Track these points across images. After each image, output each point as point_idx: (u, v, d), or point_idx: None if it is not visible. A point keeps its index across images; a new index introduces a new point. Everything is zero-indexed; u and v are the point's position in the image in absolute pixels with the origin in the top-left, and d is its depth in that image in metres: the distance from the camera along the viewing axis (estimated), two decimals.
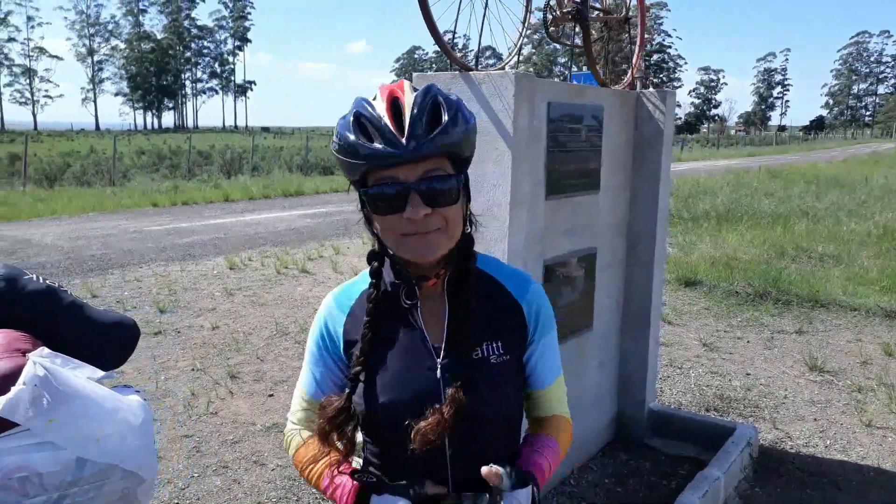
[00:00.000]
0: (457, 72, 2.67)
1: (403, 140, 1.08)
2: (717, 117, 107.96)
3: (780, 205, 14.37)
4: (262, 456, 3.89)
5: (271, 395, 4.78)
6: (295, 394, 1.36)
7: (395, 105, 1.11)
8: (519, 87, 2.55)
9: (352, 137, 1.11)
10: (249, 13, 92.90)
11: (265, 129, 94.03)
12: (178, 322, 6.33)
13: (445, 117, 1.10)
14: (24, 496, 1.20)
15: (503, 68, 2.91)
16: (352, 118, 1.13)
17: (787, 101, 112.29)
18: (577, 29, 3.37)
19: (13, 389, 1.22)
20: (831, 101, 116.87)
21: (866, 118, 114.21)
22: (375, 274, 1.25)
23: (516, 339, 1.29)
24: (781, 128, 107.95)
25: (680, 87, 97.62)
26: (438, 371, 1.22)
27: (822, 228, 11.59)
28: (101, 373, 1.39)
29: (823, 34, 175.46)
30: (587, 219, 3.44)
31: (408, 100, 1.11)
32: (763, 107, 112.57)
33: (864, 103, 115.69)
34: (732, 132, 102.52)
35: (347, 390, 1.23)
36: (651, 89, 3.71)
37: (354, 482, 1.21)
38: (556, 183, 3.07)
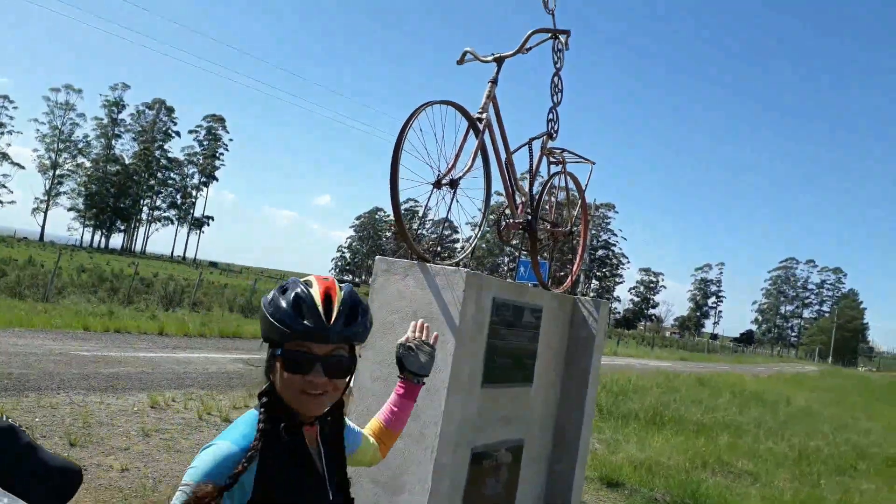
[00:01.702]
0: (415, 261, 2.94)
1: (328, 326, 1.41)
2: (654, 317, 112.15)
3: (705, 414, 14.76)
4: None
5: None
6: None
7: (328, 299, 1.44)
8: (469, 283, 2.82)
9: (288, 310, 1.42)
10: (222, 154, 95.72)
11: (213, 264, 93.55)
12: (86, 459, 6.02)
13: (358, 318, 1.48)
14: None
15: (458, 262, 3.20)
16: (292, 296, 1.44)
17: (720, 311, 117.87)
18: (526, 236, 3.74)
19: None
20: (760, 318, 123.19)
21: (792, 338, 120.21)
22: (270, 406, 1.48)
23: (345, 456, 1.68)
24: (714, 336, 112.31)
25: (621, 283, 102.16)
26: (331, 495, 1.53)
27: (743, 444, 11.90)
28: None
29: (757, 253, 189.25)
30: (519, 410, 3.61)
31: (338, 298, 1.46)
32: (698, 313, 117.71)
33: (790, 324, 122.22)
34: (668, 334, 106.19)
35: (225, 485, 1.35)
36: (587, 297, 4.05)
37: None
38: (493, 372, 3.27)
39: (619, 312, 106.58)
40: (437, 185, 3.03)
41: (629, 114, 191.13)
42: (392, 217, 2.92)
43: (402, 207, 2.94)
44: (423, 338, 2.00)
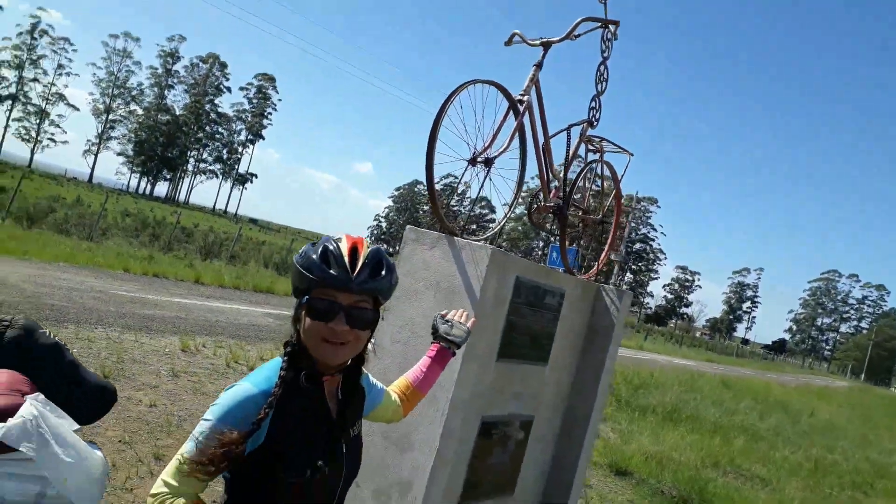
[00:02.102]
0: (444, 234, 3.04)
1: (352, 276, 1.52)
2: (686, 316, 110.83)
3: (724, 416, 14.71)
4: None
5: None
6: (178, 460, 1.48)
7: (354, 252, 1.56)
8: (493, 259, 2.92)
9: (316, 260, 1.54)
10: (270, 113, 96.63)
11: (253, 221, 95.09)
12: (118, 392, 6.32)
13: (383, 273, 1.58)
14: None
15: (486, 239, 3.29)
16: (321, 248, 1.56)
17: (754, 316, 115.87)
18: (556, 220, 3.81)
19: (8, 421, 1.44)
20: (795, 328, 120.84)
21: (825, 351, 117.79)
22: (293, 355, 1.59)
23: (362, 411, 1.83)
24: (745, 341, 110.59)
25: (656, 278, 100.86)
26: (344, 448, 1.64)
27: (759, 449, 11.86)
28: (76, 426, 1.62)
29: (798, 262, 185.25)
30: (532, 388, 3.71)
31: (364, 252, 1.57)
32: (731, 317, 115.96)
33: (825, 337, 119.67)
34: (698, 334, 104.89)
35: (247, 431, 1.46)
36: (611, 286, 4.12)
37: None
38: (509, 348, 3.37)
39: (650, 308, 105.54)
40: (473, 162, 3.11)
41: (684, 108, 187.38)
42: (427, 194, 3.02)
43: (441, 183, 3.05)
44: (463, 321, 2.19)
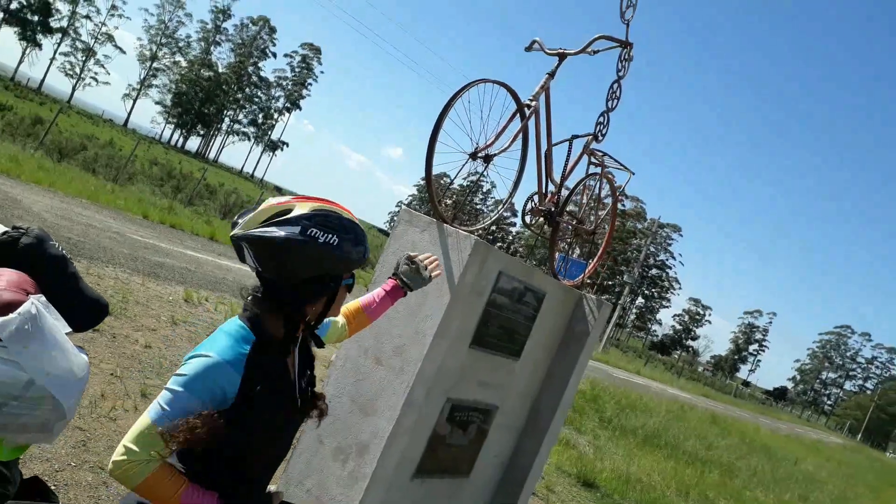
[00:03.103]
0: (435, 220, 3.24)
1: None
2: (690, 349, 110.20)
3: (704, 449, 14.80)
4: None
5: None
6: (144, 427, 1.54)
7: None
8: (475, 249, 3.11)
9: (360, 247, 1.72)
10: (310, 84, 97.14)
11: (278, 188, 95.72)
12: (118, 328, 6.59)
13: None
14: None
15: (475, 231, 3.48)
16: (357, 234, 1.71)
17: (759, 360, 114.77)
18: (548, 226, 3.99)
19: (9, 315, 1.66)
20: (798, 377, 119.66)
21: (826, 406, 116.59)
22: (260, 329, 1.70)
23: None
24: (746, 383, 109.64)
25: (668, 307, 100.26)
26: (300, 402, 1.79)
27: (732, 486, 11.97)
28: (68, 329, 1.83)
29: (811, 311, 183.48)
30: (501, 379, 3.90)
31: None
32: (736, 357, 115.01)
33: (828, 391, 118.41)
34: (700, 369, 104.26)
35: (225, 409, 1.58)
36: (592, 296, 4.29)
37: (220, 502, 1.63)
38: (483, 337, 3.56)
39: (657, 336, 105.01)
40: (473, 156, 3.30)
41: (720, 140, 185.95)
42: (425, 179, 3.21)
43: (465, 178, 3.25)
44: (428, 267, 2.36)
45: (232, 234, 1.70)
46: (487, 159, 3.32)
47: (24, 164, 14.59)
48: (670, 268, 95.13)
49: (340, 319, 2.18)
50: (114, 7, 79.64)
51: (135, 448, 1.52)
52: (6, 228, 1.88)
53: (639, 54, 3.94)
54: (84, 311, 1.92)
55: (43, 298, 1.75)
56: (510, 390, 4.02)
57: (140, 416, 1.58)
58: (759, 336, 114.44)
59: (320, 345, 1.83)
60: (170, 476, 1.56)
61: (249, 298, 1.75)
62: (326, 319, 2.03)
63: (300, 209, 1.65)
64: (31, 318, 1.68)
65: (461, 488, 3.96)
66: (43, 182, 13.52)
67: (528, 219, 3.85)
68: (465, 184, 3.31)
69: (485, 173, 3.35)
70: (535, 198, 3.82)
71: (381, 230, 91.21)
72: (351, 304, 2.23)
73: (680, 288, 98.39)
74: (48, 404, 1.70)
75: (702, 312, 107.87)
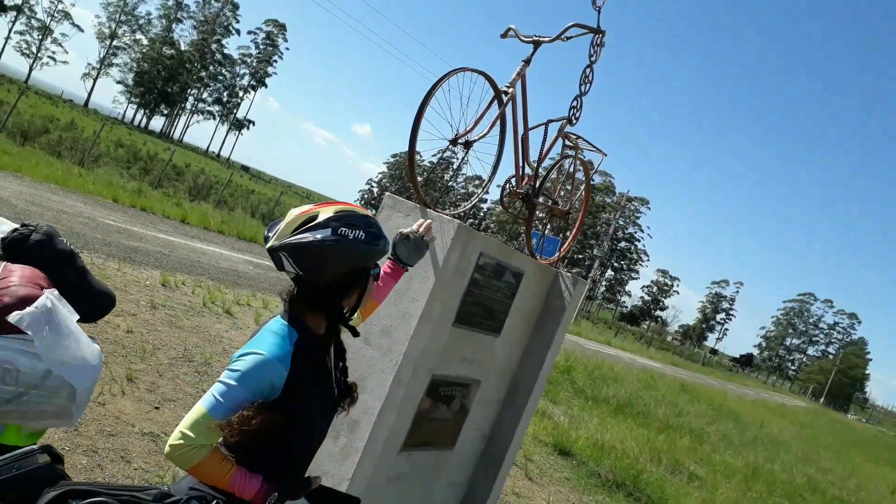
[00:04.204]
0: (418, 205, 3.36)
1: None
2: (659, 319, 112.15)
3: (674, 416, 15.27)
4: (130, 455, 4.22)
5: (157, 408, 5.11)
6: (200, 417, 1.70)
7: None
8: (458, 233, 3.24)
9: (386, 239, 1.90)
10: (276, 61, 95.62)
11: (245, 168, 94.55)
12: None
13: None
14: (1, 382, 1.71)
15: (457, 215, 3.61)
16: (377, 227, 1.88)
17: (726, 328, 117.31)
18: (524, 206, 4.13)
19: (26, 308, 1.75)
20: (764, 344, 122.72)
21: (790, 371, 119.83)
22: (298, 323, 1.86)
23: None
24: (713, 351, 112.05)
25: (636, 279, 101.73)
26: (336, 394, 1.97)
27: (701, 451, 12.41)
28: (76, 316, 1.92)
29: (776, 280, 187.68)
30: (482, 355, 4.06)
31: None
32: (704, 326, 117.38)
33: (792, 357, 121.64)
34: (669, 338, 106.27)
35: (275, 399, 1.76)
36: (568, 273, 4.46)
37: (265, 484, 1.77)
38: (465, 315, 3.71)
39: (626, 307, 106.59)
40: (454, 142, 3.42)
41: (687, 113, 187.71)
42: (408, 164, 3.32)
43: (430, 161, 3.35)
44: (424, 235, 2.48)
45: (268, 246, 1.84)
46: (467, 145, 3.44)
47: None
48: (638, 240, 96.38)
49: None
50: None
51: (191, 434, 1.68)
52: (15, 225, 1.97)
53: (610, 31, 4.06)
54: (93, 302, 2.02)
55: (56, 292, 1.85)
56: (491, 365, 4.18)
57: (195, 406, 1.74)
58: (726, 305, 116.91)
59: (356, 334, 1.99)
60: (221, 460, 1.72)
61: (288, 300, 1.89)
62: None
63: (325, 213, 1.81)
64: (47, 311, 1.78)
65: (446, 460, 4.14)
66: (9, 167, 13.30)
67: (506, 201, 3.99)
68: (435, 165, 3.42)
69: (465, 159, 3.47)
70: (513, 181, 3.95)
71: None
72: None
73: (648, 260, 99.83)
74: (64, 392, 1.80)
75: (670, 283, 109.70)
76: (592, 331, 45.67)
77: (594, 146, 4.45)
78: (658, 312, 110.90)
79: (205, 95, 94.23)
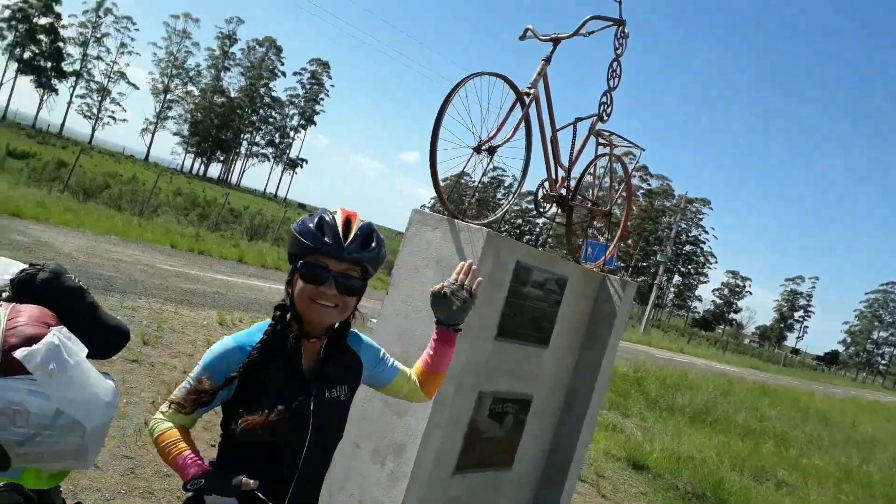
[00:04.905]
0: (446, 217, 3.25)
1: (344, 245, 1.72)
2: (734, 322, 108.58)
3: (756, 421, 14.58)
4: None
5: (213, 446, 5.10)
6: (172, 395, 1.81)
7: (347, 223, 1.76)
8: (488, 242, 3.11)
9: (312, 228, 1.74)
10: (322, 99, 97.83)
11: (301, 206, 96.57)
12: (155, 357, 6.72)
13: (373, 245, 1.77)
14: (12, 425, 1.67)
15: (489, 224, 3.48)
16: (317, 218, 1.76)
17: (806, 326, 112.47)
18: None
19: (32, 346, 1.71)
20: (849, 340, 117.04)
21: (881, 366, 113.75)
22: (280, 319, 1.79)
23: (355, 381, 1.93)
24: (795, 350, 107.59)
25: (706, 282, 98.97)
26: (312, 403, 1.77)
27: (789, 456, 11.76)
28: (85, 353, 1.87)
29: (855, 272, 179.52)
30: (531, 368, 3.90)
31: (356, 225, 1.77)
32: (782, 325, 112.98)
33: (881, 351, 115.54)
34: (746, 341, 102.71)
35: (217, 385, 1.72)
36: (615, 276, 4.27)
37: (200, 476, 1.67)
38: (507, 327, 3.57)
39: (698, 312, 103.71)
40: (477, 149, 3.31)
41: (739, 107, 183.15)
42: (430, 178, 3.23)
43: (458, 172, 3.26)
44: (467, 282, 1.99)
45: None
46: (491, 151, 3.33)
47: (52, 208, 14.94)
48: (704, 242, 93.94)
49: (414, 377, 2.06)
50: (123, 45, 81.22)
51: (163, 409, 1.81)
52: (24, 266, 1.94)
53: (639, 26, 3.91)
54: (105, 338, 1.97)
55: (65, 330, 1.80)
56: (542, 378, 4.01)
57: None
58: (803, 302, 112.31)
59: (336, 355, 1.86)
60: (174, 439, 1.74)
61: None
62: (390, 365, 2.02)
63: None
64: (55, 349, 1.73)
65: (504, 480, 3.97)
66: (71, 223, 13.83)
67: (541, 206, 3.84)
68: (474, 179, 3.30)
69: (490, 165, 3.35)
70: (546, 184, 3.81)
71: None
72: (417, 363, 2.10)
73: (716, 262, 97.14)
74: (78, 431, 1.74)
75: (741, 284, 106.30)
76: (663, 339, 44.45)
77: (630, 141, 4.27)
78: (732, 315, 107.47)
79: (258, 139, 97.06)
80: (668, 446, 9.38)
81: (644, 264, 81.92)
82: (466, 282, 2.00)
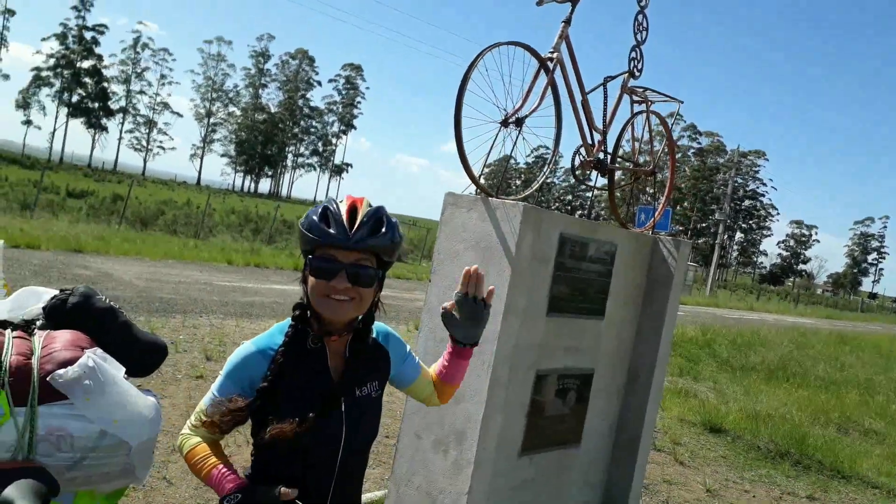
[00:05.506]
0: (479, 196, 3.16)
1: (350, 234, 1.58)
2: (804, 273, 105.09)
3: (836, 371, 14.02)
4: None
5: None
6: (198, 409, 1.72)
7: (353, 210, 1.62)
8: (526, 216, 3.01)
9: (316, 220, 1.61)
10: (359, 102, 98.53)
11: None
12: (218, 370, 6.83)
13: (383, 230, 1.61)
14: (57, 451, 1.67)
15: (525, 198, 3.37)
16: (321, 209, 1.64)
17: (881, 268, 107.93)
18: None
19: (67, 370, 1.70)
20: None
21: None
22: (300, 318, 1.69)
23: (384, 376, 1.82)
24: (872, 295, 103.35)
25: (769, 236, 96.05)
26: (343, 404, 1.68)
27: (875, 403, 11.26)
28: (122, 371, 1.86)
29: None
30: (588, 341, 3.78)
31: (363, 210, 1.62)
32: (855, 271, 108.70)
33: None
34: (819, 291, 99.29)
35: (249, 400, 1.63)
36: (668, 236, 4.10)
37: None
38: (558, 302, 3.46)
39: (765, 267, 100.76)
40: (504, 123, 3.20)
41: (788, 50, 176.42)
42: (458, 157, 3.14)
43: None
44: (474, 291, 1.77)
45: None
46: (519, 123, 3.22)
47: (111, 240, 15.44)
48: (763, 195, 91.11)
49: (431, 377, 1.97)
50: (163, 76, 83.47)
51: (188, 424, 1.74)
52: (54, 292, 1.95)
53: None
54: (142, 355, 1.96)
55: (99, 351, 1.80)
56: (602, 351, 3.89)
57: None
58: (875, 244, 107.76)
59: (362, 351, 1.74)
60: (205, 454, 1.68)
61: None
62: (415, 364, 1.92)
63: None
64: (90, 371, 1.72)
65: (573, 458, 3.87)
66: (130, 252, 14.26)
67: (578, 173, 3.71)
68: (489, 152, 3.17)
69: (522, 137, 3.24)
70: (583, 150, 3.67)
71: None
72: (432, 367, 1.99)
73: (778, 214, 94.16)
74: (123, 450, 1.73)
75: (808, 233, 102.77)
76: (731, 299, 43.26)
77: (666, 95, 4.09)
78: (801, 267, 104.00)
79: (302, 149, 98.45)
80: (744, 407, 9.08)
81: (703, 225, 79.94)
82: (469, 292, 1.77)
